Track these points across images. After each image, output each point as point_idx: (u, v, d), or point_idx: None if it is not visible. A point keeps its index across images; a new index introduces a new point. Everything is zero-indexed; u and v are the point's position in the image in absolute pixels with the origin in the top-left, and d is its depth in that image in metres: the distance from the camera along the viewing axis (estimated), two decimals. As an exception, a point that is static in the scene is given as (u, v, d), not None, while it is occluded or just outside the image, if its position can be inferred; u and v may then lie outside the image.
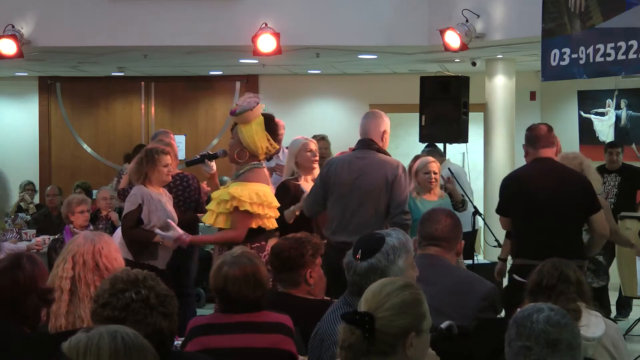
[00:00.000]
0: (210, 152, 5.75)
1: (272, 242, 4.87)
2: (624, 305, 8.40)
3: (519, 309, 2.50)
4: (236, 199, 4.89)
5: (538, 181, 5.25)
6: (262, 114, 5.04)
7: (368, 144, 5.45)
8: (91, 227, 7.15)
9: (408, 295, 2.42)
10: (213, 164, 5.69)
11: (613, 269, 7.61)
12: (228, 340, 3.27)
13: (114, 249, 3.39)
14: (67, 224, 7.15)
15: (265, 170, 5.19)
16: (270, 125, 5.05)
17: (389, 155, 5.54)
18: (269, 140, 5.01)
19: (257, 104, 4.97)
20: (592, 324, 3.54)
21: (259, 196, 4.90)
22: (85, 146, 12.60)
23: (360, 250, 3.13)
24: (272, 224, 5.07)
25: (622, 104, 10.64)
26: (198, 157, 5.76)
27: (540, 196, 5.19)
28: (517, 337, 2.33)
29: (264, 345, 3.28)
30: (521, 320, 2.36)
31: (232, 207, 4.92)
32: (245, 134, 4.98)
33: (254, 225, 4.97)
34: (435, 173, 6.54)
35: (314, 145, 6.01)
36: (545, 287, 3.63)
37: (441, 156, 8.00)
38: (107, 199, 7.78)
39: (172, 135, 6.85)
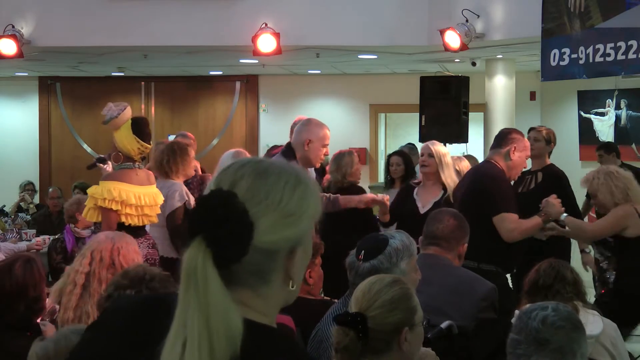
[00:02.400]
0: (100, 156, 6.29)
1: (137, 241, 5.18)
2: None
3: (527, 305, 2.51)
4: (92, 197, 5.25)
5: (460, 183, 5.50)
6: (132, 118, 5.42)
7: (283, 148, 5.28)
8: (93, 227, 7.14)
9: (397, 290, 2.42)
10: (106, 166, 6.07)
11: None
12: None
13: (133, 250, 3.44)
14: (69, 223, 7.13)
15: (139, 171, 5.40)
16: (138, 128, 5.38)
17: (296, 161, 5.04)
18: (138, 142, 5.35)
19: (122, 111, 5.36)
20: (590, 322, 3.55)
21: (111, 192, 5.16)
22: (85, 146, 12.59)
23: (363, 251, 3.13)
24: (132, 221, 5.24)
25: (622, 104, 10.64)
26: (93, 162, 6.26)
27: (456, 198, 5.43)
28: (514, 329, 2.34)
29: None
30: (523, 313, 2.37)
31: (92, 204, 5.28)
32: (117, 139, 5.41)
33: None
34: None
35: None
36: (541, 286, 3.64)
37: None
38: (106, 199, 7.79)
39: (192, 140, 7.04)
